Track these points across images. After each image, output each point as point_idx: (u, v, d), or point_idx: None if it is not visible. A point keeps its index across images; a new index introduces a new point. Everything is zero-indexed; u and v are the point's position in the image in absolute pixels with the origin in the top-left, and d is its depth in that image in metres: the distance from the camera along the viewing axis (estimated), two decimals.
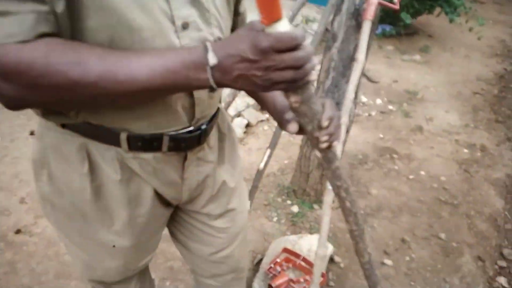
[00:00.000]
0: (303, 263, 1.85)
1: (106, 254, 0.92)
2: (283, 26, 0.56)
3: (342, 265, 2.02)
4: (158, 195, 0.89)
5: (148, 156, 0.79)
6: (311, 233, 2.17)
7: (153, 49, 0.63)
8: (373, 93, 3.82)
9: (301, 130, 0.76)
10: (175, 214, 1.05)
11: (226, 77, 0.60)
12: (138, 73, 0.59)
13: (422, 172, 2.77)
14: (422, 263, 2.07)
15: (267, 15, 0.55)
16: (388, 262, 2.06)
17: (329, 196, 1.64)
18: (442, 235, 2.24)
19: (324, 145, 0.74)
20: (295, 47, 0.57)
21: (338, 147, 1.55)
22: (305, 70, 0.59)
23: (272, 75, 0.58)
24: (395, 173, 2.74)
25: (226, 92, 1.92)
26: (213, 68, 0.59)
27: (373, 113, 3.46)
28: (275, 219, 2.26)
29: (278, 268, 1.82)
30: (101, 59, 0.58)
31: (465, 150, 3.03)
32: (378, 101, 3.67)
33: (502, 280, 2.03)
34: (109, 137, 0.75)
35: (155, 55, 0.60)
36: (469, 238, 2.24)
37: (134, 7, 0.62)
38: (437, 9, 4.67)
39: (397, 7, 1.67)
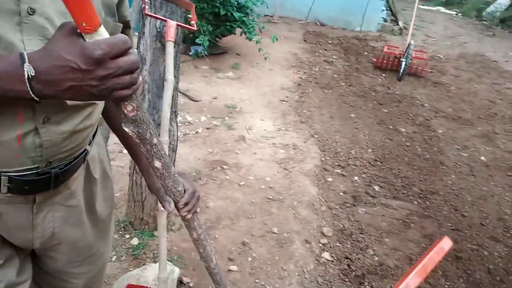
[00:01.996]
0: None
1: None
2: (104, 32, 0.55)
3: (191, 284, 2.01)
4: (3, 238, 0.80)
5: (12, 197, 0.73)
6: (155, 261, 2.09)
7: None
8: (197, 111, 3.97)
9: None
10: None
11: (54, 88, 0.56)
12: None
13: (251, 177, 3.01)
14: (263, 259, 2.24)
15: (89, 22, 0.53)
16: (234, 267, 2.15)
17: (162, 217, 1.61)
18: (275, 229, 2.48)
19: (187, 216, 0.93)
20: (126, 51, 0.56)
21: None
22: (138, 73, 0.59)
23: (109, 83, 0.56)
24: (228, 182, 2.91)
25: None
26: (32, 79, 0.55)
27: (200, 130, 3.59)
28: (113, 258, 2.09)
29: None
30: None
31: (281, 151, 3.45)
32: (203, 118, 3.84)
33: (326, 254, 2.37)
34: None
35: None
36: (296, 226, 2.55)
37: None
38: (240, 30, 5.20)
39: (194, 28, 1.79)
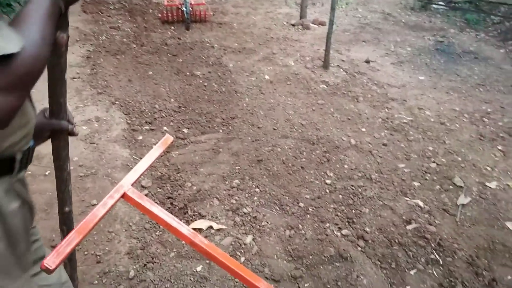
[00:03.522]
0: None
1: None
2: None
3: None
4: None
5: (22, 174, 0.94)
6: None
7: None
8: None
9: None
10: None
11: None
12: None
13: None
14: None
15: None
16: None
17: None
18: (94, 201, 2.49)
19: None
20: None
21: None
22: None
23: None
24: (31, 178, 2.71)
25: None
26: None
27: None
28: None
29: None
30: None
31: (84, 127, 3.33)
32: None
33: None
34: (4, 165, 0.86)
35: None
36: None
37: None
38: None
39: None
